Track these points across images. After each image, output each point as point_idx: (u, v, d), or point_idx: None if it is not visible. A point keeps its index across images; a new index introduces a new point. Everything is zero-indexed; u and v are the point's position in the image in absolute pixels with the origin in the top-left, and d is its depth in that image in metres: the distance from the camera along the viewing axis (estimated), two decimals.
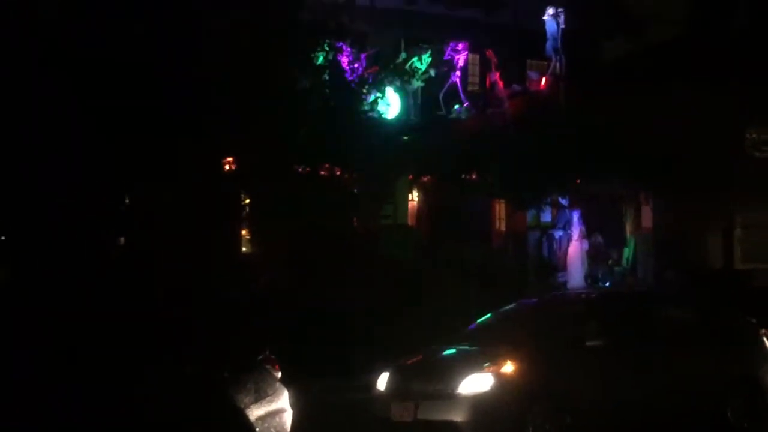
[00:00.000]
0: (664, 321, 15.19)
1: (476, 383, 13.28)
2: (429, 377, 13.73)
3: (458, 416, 13.24)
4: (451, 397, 13.32)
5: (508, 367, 13.41)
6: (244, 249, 22.24)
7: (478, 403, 13.19)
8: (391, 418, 13.73)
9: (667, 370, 14.30)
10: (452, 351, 14.45)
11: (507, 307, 15.61)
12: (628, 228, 27.89)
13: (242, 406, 10.93)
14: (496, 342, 14.20)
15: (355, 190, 21.95)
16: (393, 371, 14.28)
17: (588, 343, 14.01)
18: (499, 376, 13.33)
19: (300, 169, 20.73)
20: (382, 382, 14.26)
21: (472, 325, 15.23)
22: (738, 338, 15.38)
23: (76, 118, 16.31)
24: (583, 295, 19.19)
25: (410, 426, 13.53)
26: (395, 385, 14.02)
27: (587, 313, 15.03)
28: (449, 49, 25.86)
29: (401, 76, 24.84)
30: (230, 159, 20.15)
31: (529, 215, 27.66)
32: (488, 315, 15.44)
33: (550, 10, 27.10)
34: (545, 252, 27.56)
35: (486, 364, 13.45)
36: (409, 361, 14.48)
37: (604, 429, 13.74)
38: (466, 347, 14.39)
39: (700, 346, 14.92)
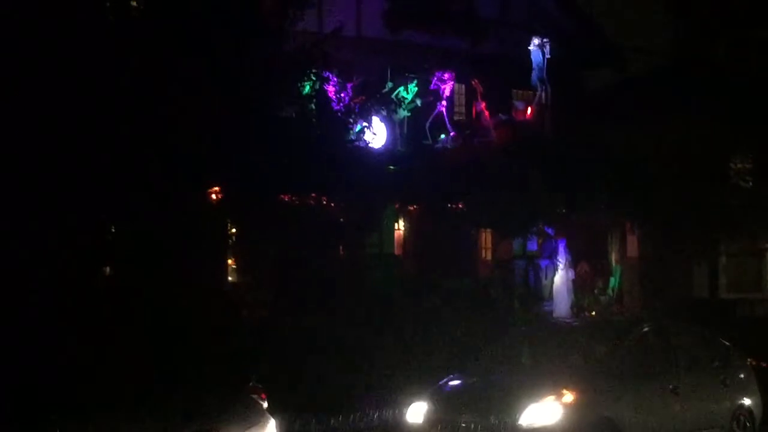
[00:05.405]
0: (685, 350, 14.52)
1: (539, 414, 12.05)
2: (478, 407, 12.36)
3: None
4: (512, 431, 12.02)
5: (568, 397, 12.23)
6: (230, 278, 22.21)
7: None
8: None
9: (698, 399, 14.00)
10: (494, 378, 13.17)
11: (533, 329, 15.29)
12: (614, 257, 27.93)
13: None
14: (537, 367, 13.37)
15: (341, 220, 21.93)
16: (431, 400, 12.89)
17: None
18: (565, 407, 12.13)
19: (286, 198, 20.71)
20: (417, 412, 12.88)
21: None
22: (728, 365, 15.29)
23: (61, 151, 16.28)
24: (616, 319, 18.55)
25: None
26: (436, 417, 12.57)
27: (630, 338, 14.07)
28: (435, 78, 25.97)
29: (387, 105, 24.92)
30: (216, 189, 20.14)
31: (516, 244, 27.69)
32: (512, 340, 14.63)
33: (536, 41, 27.28)
34: (531, 281, 27.55)
35: (546, 393, 12.23)
36: (449, 389, 13.18)
37: None
38: (507, 374, 13.21)
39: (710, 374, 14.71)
